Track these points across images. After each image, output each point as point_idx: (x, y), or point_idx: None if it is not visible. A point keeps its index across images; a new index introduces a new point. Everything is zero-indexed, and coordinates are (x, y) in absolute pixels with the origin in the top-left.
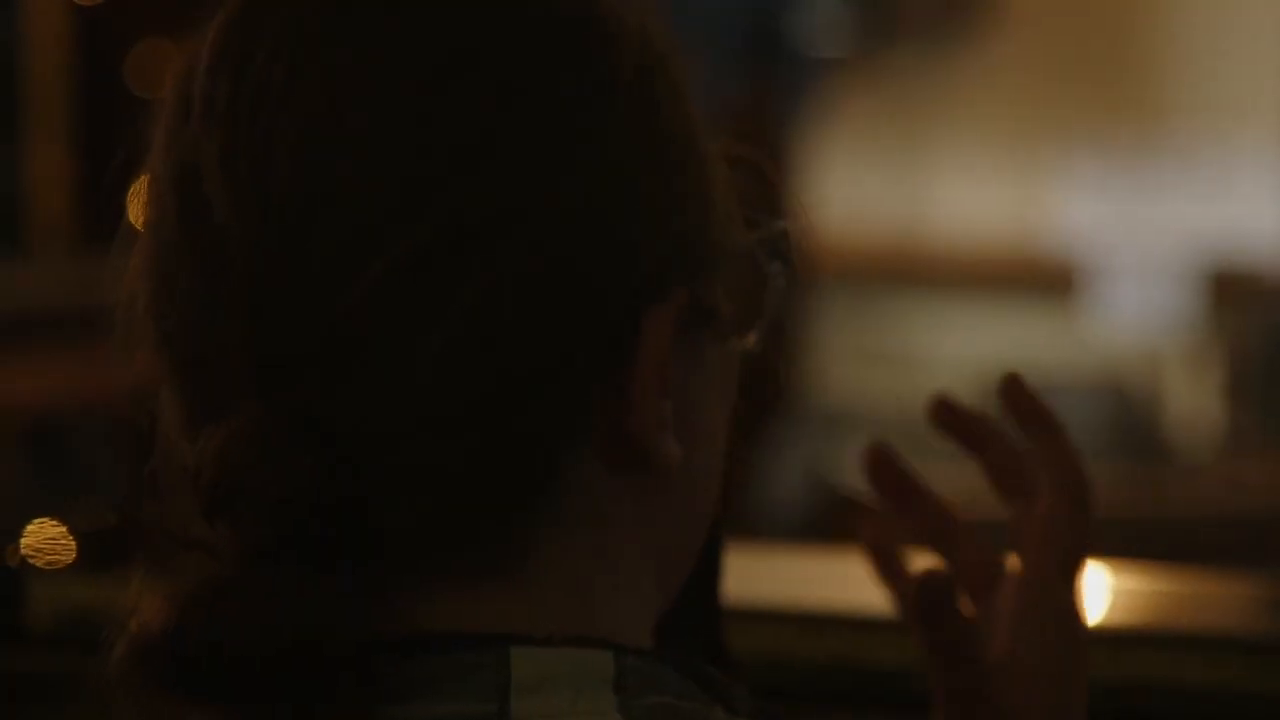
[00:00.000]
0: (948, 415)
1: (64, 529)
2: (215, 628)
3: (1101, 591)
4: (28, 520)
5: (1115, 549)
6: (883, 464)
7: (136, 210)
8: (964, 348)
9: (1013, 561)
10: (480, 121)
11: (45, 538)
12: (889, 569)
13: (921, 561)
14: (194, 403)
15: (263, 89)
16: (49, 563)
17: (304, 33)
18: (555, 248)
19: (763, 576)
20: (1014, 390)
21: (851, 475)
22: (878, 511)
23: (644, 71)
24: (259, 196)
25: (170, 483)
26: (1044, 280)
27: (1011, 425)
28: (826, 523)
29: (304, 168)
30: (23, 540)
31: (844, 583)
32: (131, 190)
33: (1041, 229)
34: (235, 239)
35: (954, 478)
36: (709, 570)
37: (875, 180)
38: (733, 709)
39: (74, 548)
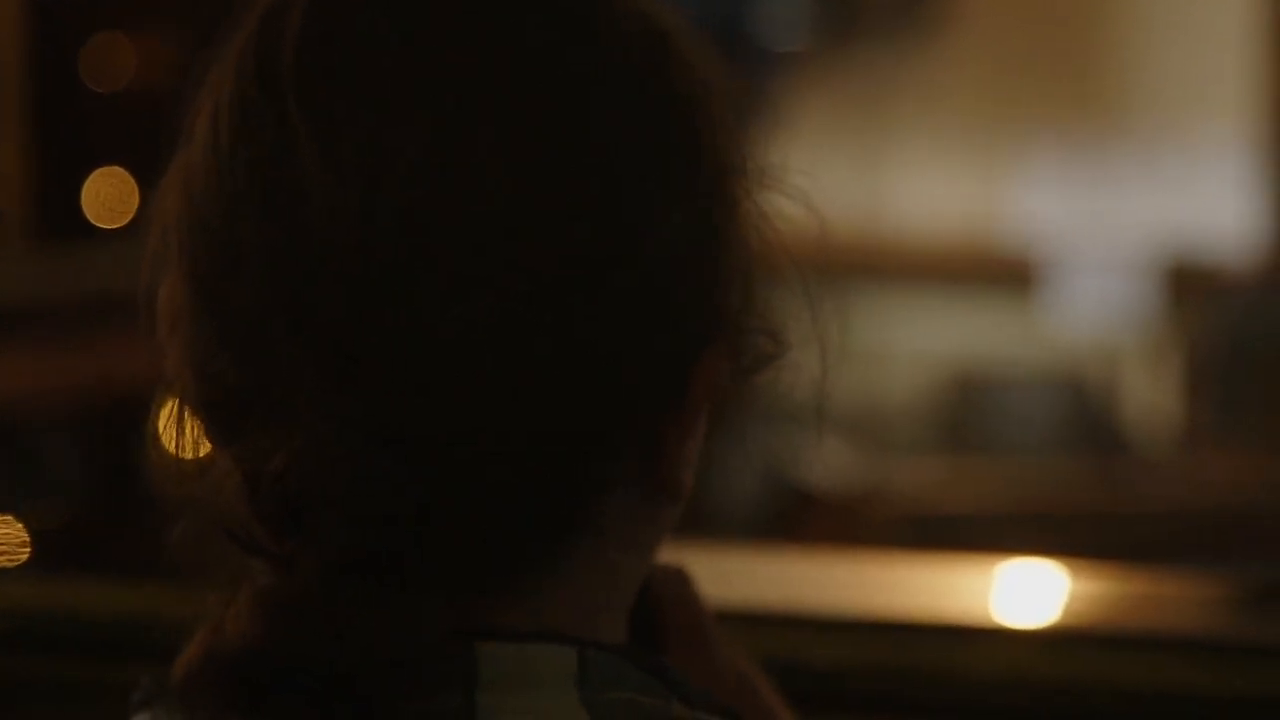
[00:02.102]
0: None
1: (20, 528)
2: (308, 640)
3: (1058, 591)
4: None
5: (1073, 542)
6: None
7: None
8: (923, 342)
9: None
10: (604, 166)
11: (2, 536)
12: None
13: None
14: (240, 406)
15: (379, 88)
16: (3, 562)
17: (422, 32)
18: (648, 293)
19: (720, 577)
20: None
21: (810, 471)
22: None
23: (724, 131)
24: (370, 201)
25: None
26: (1003, 274)
27: None
28: (785, 520)
29: (425, 180)
30: None
31: (799, 583)
32: (177, 168)
33: (1001, 223)
34: (333, 240)
35: (916, 471)
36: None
37: (835, 174)
38: (690, 703)
39: (29, 547)
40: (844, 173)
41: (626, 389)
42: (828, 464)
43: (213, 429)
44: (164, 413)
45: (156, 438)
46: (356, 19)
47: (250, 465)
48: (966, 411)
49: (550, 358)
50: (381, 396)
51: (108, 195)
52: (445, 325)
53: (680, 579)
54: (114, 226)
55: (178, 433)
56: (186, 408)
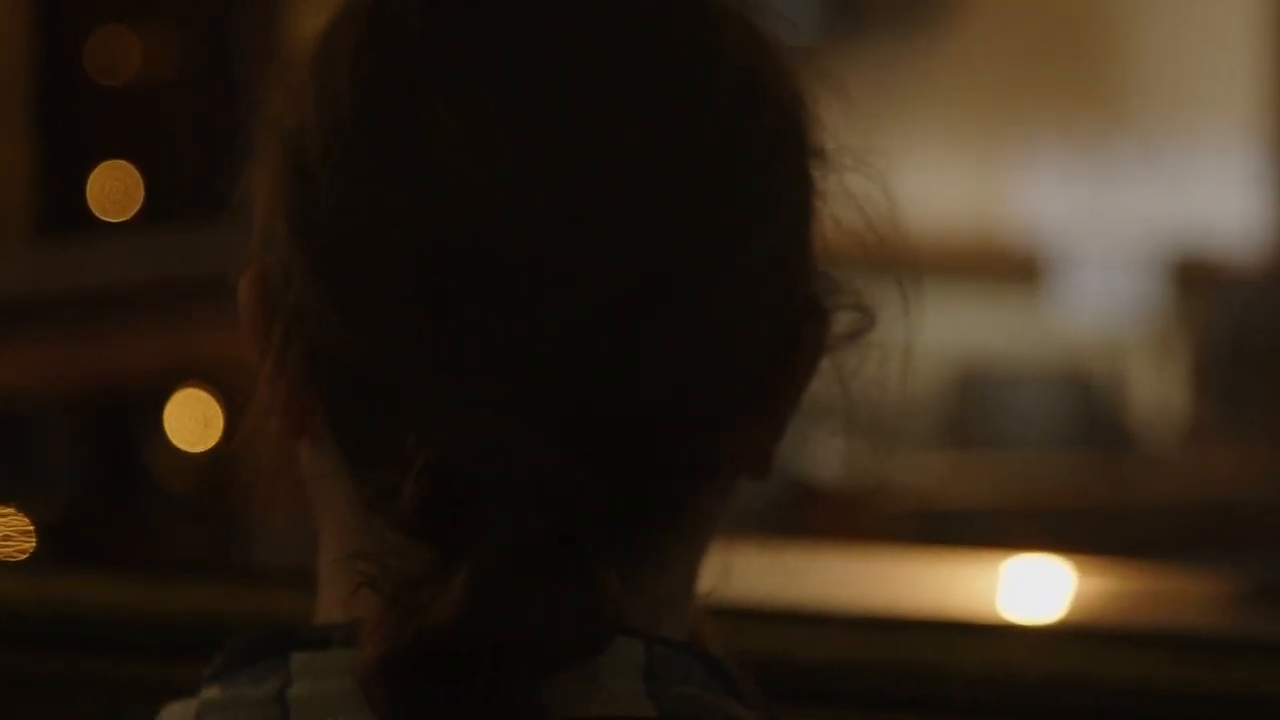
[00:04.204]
0: None
1: (23, 521)
2: (515, 618)
3: (1062, 587)
4: None
5: (1078, 537)
6: None
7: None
8: (928, 336)
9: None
10: (730, 147)
11: (1, 529)
12: None
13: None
14: (372, 393)
15: (518, 63)
16: (7, 554)
17: (547, 8)
18: (773, 266)
19: (723, 571)
20: None
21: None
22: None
23: (815, 119)
24: (521, 177)
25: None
26: (1008, 269)
27: None
28: (789, 514)
29: (575, 155)
30: None
31: (802, 578)
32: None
33: (1006, 218)
34: (480, 219)
35: (920, 466)
36: None
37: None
38: (743, 702)
39: (32, 540)
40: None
41: (748, 363)
42: (831, 458)
43: (337, 417)
44: (254, 405)
45: (247, 426)
46: None
47: (391, 454)
48: (971, 406)
49: (689, 331)
50: (539, 378)
51: (112, 188)
52: (598, 301)
53: None
54: (118, 220)
55: (285, 422)
56: (293, 398)
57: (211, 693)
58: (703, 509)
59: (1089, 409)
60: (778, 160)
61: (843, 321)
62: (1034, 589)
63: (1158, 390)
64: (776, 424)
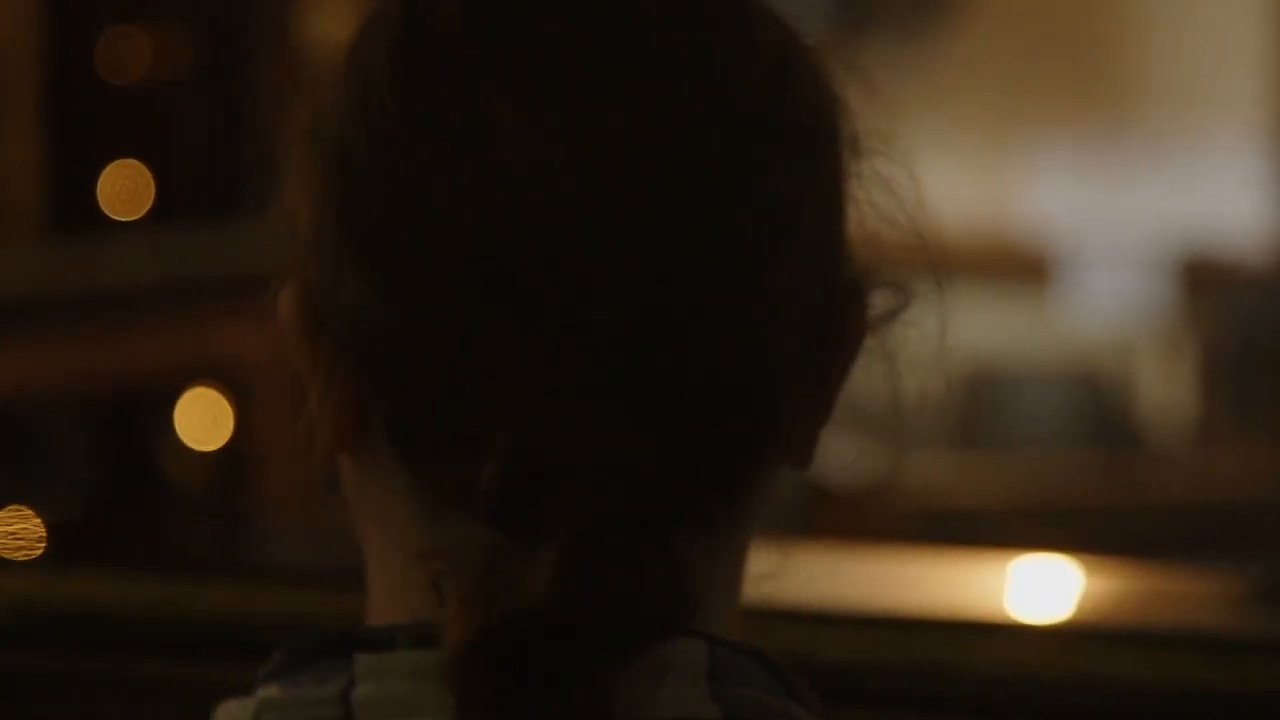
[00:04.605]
0: None
1: (35, 521)
2: (608, 591)
3: (1070, 587)
4: None
5: (1086, 537)
6: None
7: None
8: (936, 335)
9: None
10: (774, 136)
11: (13, 529)
12: None
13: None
14: (433, 383)
15: (568, 54)
16: (16, 555)
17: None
18: (818, 247)
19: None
20: None
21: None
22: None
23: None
24: (583, 166)
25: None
26: (1017, 269)
27: None
28: (797, 513)
29: (632, 143)
30: None
31: (811, 578)
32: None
33: (1014, 217)
34: (541, 207)
35: (929, 466)
36: None
37: None
38: (806, 706)
39: (43, 540)
40: None
41: (799, 343)
42: (840, 458)
43: (398, 419)
44: (311, 402)
45: (307, 422)
46: None
47: (460, 449)
48: (980, 406)
49: (746, 311)
50: (608, 362)
51: (122, 188)
52: (661, 284)
53: None
54: (129, 219)
55: (336, 435)
56: (344, 411)
57: (270, 692)
58: (754, 497)
59: (1097, 409)
60: (813, 147)
61: (881, 301)
62: (1043, 588)
63: (1166, 390)
64: (825, 405)
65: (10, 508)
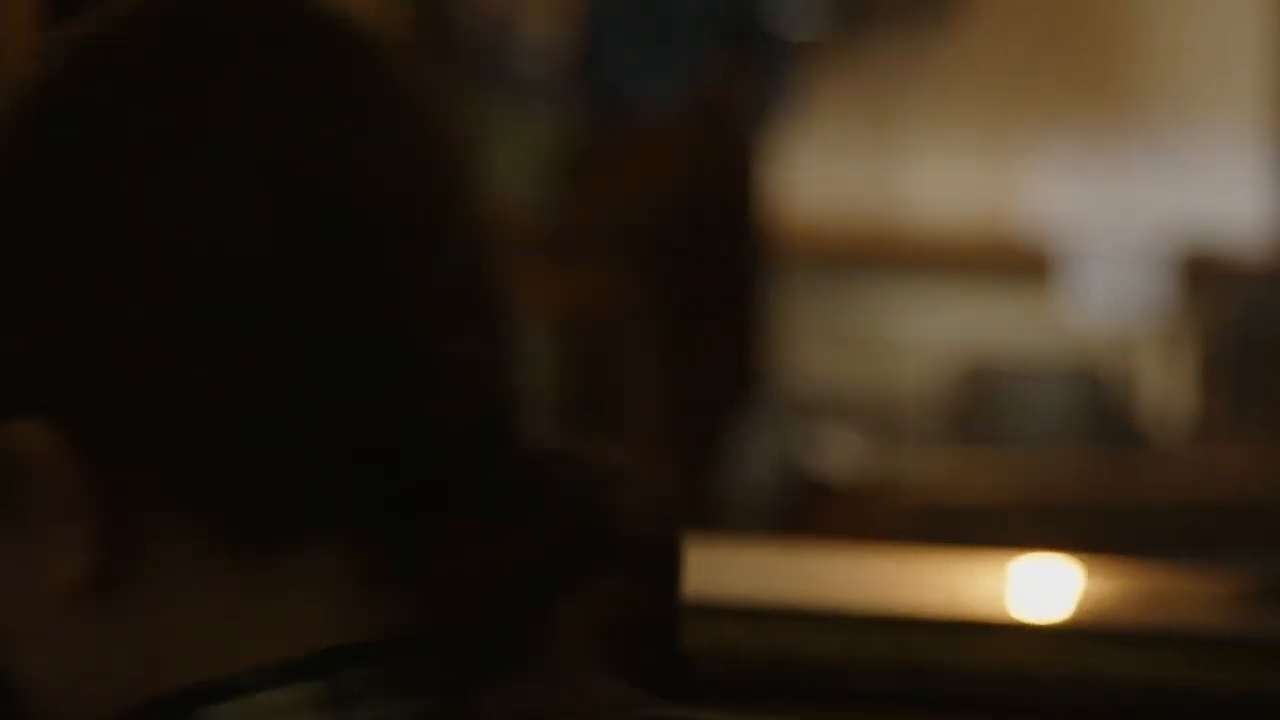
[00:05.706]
0: None
1: None
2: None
3: (1070, 586)
4: None
5: (1087, 534)
6: None
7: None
8: (937, 332)
9: None
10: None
11: None
12: None
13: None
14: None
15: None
16: None
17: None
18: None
19: (732, 571)
20: None
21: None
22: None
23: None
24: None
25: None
26: (1018, 265)
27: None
28: (797, 511)
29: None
30: None
31: (810, 577)
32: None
33: (1015, 213)
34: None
35: (929, 462)
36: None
37: (849, 164)
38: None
39: None
40: (859, 163)
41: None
42: (840, 455)
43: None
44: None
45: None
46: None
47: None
48: (980, 402)
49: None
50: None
51: None
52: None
53: None
54: None
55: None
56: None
57: None
58: None
59: (1098, 405)
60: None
61: None
62: (1043, 587)
63: (1167, 386)
64: None
65: None
